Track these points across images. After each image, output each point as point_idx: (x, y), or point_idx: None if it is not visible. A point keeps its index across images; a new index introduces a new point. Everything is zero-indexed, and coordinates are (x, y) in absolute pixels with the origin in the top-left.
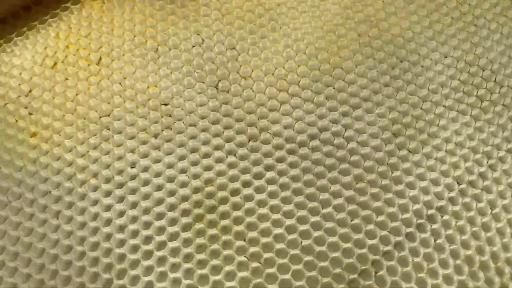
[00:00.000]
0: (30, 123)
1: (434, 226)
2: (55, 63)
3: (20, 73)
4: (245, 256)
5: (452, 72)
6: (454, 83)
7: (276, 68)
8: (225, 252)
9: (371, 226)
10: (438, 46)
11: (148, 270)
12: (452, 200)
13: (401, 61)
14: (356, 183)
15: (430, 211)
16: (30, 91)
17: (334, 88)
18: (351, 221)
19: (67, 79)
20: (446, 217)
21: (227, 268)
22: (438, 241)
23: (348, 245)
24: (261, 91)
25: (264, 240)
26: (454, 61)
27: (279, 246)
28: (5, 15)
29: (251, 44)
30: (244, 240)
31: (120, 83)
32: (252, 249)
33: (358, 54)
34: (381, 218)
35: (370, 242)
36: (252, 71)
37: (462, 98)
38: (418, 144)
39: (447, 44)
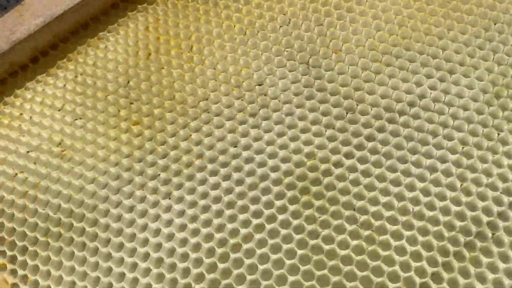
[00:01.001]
0: (131, 112)
1: None
2: (149, 54)
3: (117, 67)
4: (356, 225)
5: None
6: None
7: (366, 39)
8: (335, 222)
9: (481, 188)
10: None
11: (262, 243)
12: None
13: (495, 23)
14: (462, 147)
15: None
16: (128, 82)
17: (428, 55)
18: (461, 185)
19: (162, 68)
20: None
21: (339, 237)
22: None
23: (460, 208)
24: (354, 63)
25: (373, 209)
26: None
27: (389, 213)
28: (96, 14)
29: (338, 18)
30: (354, 209)
31: (214, 68)
32: (363, 218)
33: (449, 19)
34: (490, 179)
35: (482, 203)
36: (343, 44)
37: None
38: None
39: None
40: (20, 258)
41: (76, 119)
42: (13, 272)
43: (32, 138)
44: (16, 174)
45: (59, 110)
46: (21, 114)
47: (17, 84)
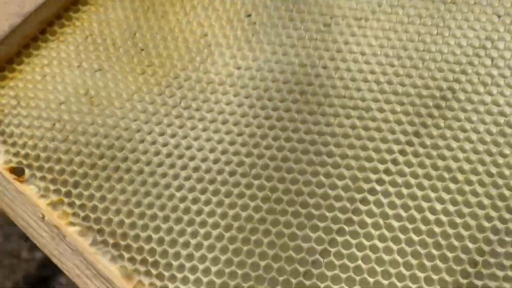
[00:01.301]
0: (143, 57)
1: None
2: (147, 8)
3: (121, 24)
4: (349, 108)
5: None
6: None
7: None
8: (331, 110)
9: (438, 64)
10: None
11: (277, 136)
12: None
13: None
14: (418, 36)
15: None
16: (135, 34)
17: None
18: (423, 63)
19: (162, 17)
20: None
21: (336, 120)
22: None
23: (424, 81)
24: None
25: (357, 94)
26: None
27: (371, 95)
28: None
29: None
30: (344, 99)
31: (206, 11)
32: (352, 102)
33: None
34: (444, 56)
35: (440, 74)
36: None
37: None
38: None
39: None
40: (74, 191)
41: (96, 71)
42: (71, 204)
43: (59, 93)
44: (54, 124)
45: (78, 67)
46: (44, 76)
47: (32, 54)
